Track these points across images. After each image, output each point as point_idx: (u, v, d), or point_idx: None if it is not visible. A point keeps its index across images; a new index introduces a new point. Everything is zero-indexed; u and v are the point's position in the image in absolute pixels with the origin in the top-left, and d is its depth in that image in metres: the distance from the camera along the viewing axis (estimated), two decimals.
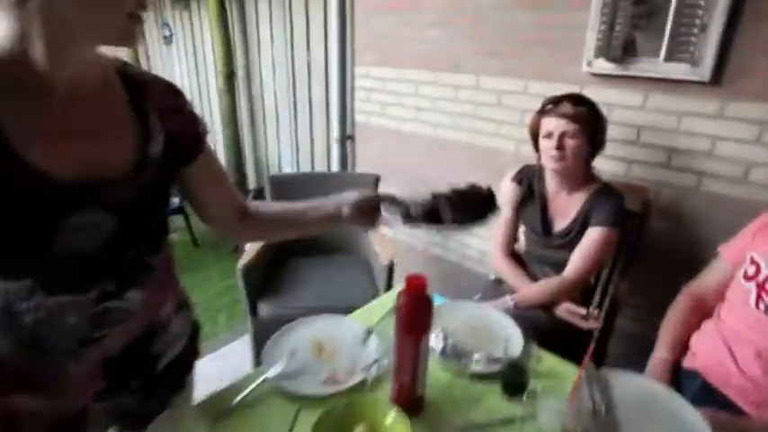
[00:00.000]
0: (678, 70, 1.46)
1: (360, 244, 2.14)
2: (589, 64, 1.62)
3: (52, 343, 0.71)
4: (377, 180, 2.07)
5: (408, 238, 2.51)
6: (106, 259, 0.73)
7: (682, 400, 0.97)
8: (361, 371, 1.00)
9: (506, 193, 1.57)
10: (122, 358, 0.80)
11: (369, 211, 0.96)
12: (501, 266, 1.53)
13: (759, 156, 1.43)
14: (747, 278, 1.17)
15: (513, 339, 1.10)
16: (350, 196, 0.96)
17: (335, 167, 2.65)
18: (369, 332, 1.12)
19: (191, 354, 0.99)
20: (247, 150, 3.47)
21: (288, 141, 3.14)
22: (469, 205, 0.94)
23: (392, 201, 0.95)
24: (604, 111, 1.68)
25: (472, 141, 2.07)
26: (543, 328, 1.31)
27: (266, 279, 1.90)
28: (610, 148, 1.70)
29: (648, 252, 1.63)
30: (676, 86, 1.50)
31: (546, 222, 1.51)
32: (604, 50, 1.58)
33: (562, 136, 1.36)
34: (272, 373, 0.98)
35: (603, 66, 1.60)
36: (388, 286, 1.79)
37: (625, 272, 1.56)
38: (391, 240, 1.99)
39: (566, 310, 1.36)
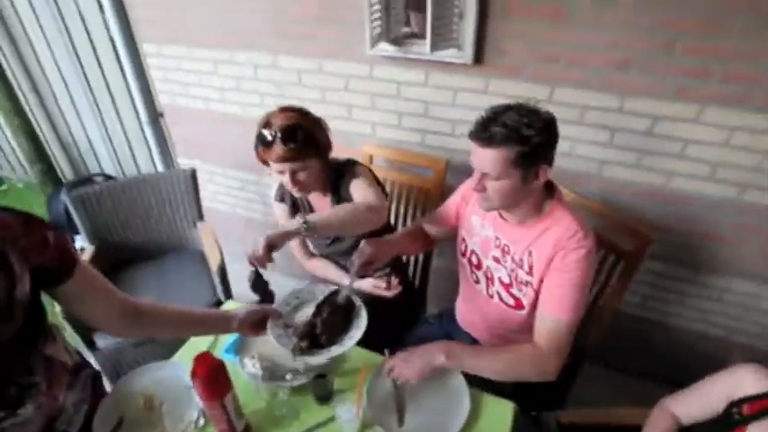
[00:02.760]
0: (448, 54, 1.60)
1: (190, 238, 2.11)
2: (373, 46, 1.67)
3: None
4: (193, 174, 1.99)
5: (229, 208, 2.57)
6: None
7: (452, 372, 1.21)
8: (186, 422, 1.09)
9: (278, 214, 1.62)
10: None
11: (255, 325, 1.16)
12: (312, 266, 1.66)
13: None
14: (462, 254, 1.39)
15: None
16: (240, 312, 1.16)
17: (155, 151, 2.47)
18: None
19: (99, 399, 1.11)
20: (52, 145, 3.06)
21: (97, 132, 2.82)
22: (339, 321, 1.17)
23: (277, 316, 1.19)
24: (393, 88, 1.81)
25: None
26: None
27: None
28: (406, 121, 1.86)
29: None
30: (449, 66, 1.65)
31: None
32: (385, 34, 1.64)
33: (292, 174, 1.33)
34: None
35: (386, 48, 1.66)
36: (225, 289, 1.85)
37: None
38: (216, 244, 1.99)
39: (372, 286, 1.52)
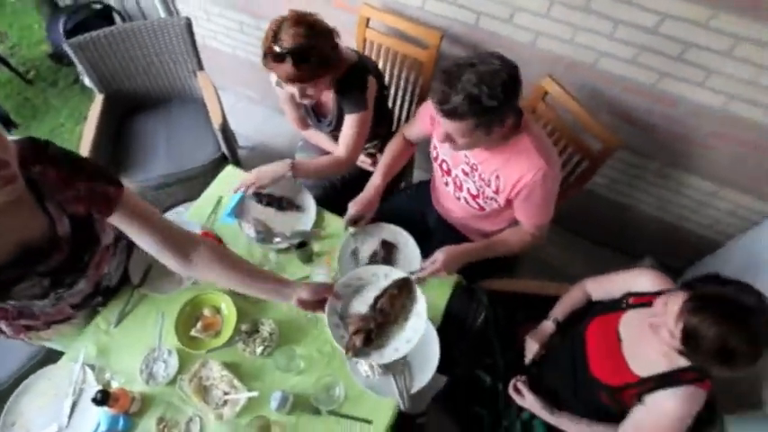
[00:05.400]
0: None
1: (193, 87, 2.17)
2: None
3: (31, 308, 1.11)
4: (189, 24, 1.95)
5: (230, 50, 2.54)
6: (51, 289, 1.03)
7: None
8: None
9: (281, 97, 1.63)
10: (83, 302, 1.22)
11: (314, 304, 1.10)
12: (307, 134, 1.79)
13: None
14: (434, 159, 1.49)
15: (301, 218, 1.52)
16: (302, 290, 1.09)
17: None
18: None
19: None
20: None
21: None
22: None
23: (337, 298, 1.11)
24: None
25: None
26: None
27: (113, 151, 2.03)
28: None
29: None
30: None
31: (318, 116, 1.65)
32: None
33: (302, 91, 1.36)
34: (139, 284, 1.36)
35: None
36: (228, 145, 2.01)
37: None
38: (217, 100, 2.05)
39: (360, 162, 1.73)
